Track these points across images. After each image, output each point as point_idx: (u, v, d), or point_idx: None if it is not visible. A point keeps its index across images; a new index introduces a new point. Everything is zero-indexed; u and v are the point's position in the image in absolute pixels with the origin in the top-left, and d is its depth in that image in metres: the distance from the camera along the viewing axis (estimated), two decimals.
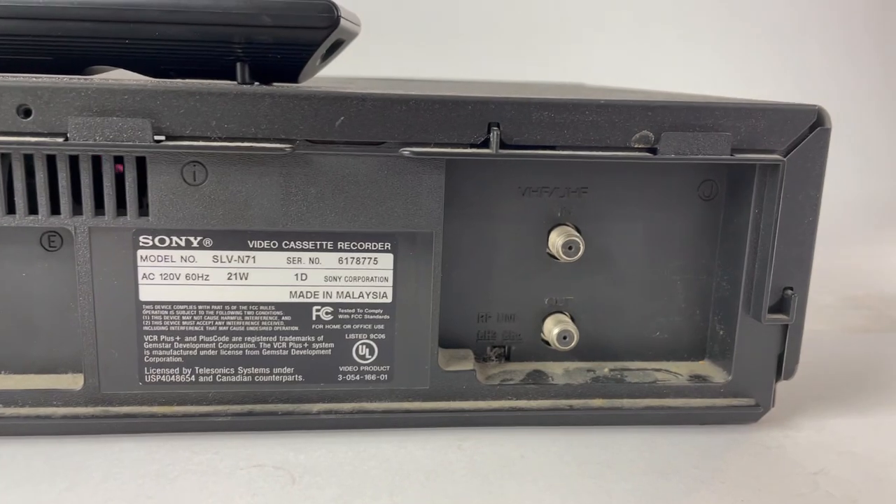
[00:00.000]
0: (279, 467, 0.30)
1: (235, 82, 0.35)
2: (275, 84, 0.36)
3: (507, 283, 0.35)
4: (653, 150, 0.31)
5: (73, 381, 0.32)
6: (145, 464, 0.30)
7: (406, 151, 0.30)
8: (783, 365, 0.34)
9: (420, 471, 0.30)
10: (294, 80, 0.36)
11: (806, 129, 0.32)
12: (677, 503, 0.29)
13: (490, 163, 0.33)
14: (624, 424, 0.34)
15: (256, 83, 0.35)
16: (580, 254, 0.33)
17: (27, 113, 0.28)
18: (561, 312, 0.35)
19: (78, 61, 0.36)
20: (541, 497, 0.29)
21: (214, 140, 0.29)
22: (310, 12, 0.34)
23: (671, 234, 0.35)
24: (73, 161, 0.29)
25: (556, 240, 0.33)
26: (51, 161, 0.29)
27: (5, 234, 0.31)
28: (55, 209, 0.30)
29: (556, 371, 0.35)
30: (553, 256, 0.34)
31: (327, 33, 0.34)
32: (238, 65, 0.35)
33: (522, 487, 0.29)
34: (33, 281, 0.31)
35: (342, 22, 0.34)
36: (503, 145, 0.30)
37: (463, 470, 0.30)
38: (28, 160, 0.29)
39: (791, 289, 0.33)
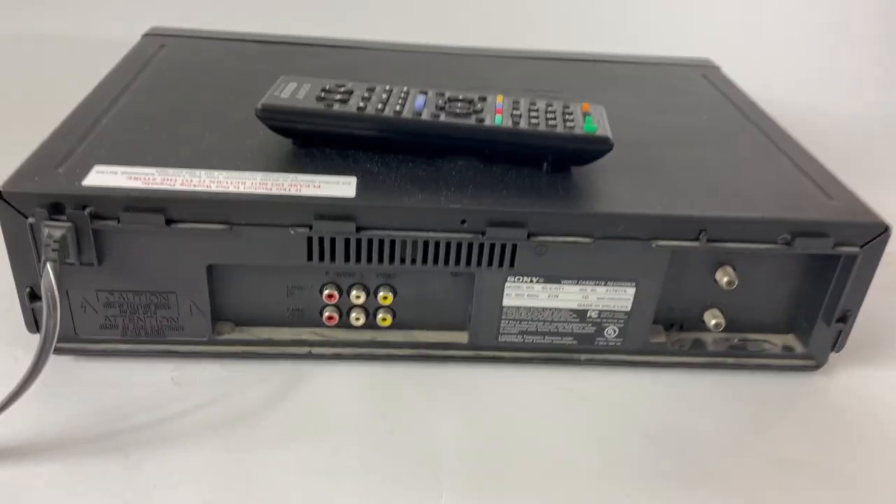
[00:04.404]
0: (568, 389, 0.60)
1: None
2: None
3: (682, 294, 0.62)
4: None
5: (461, 337, 0.62)
6: (502, 383, 0.61)
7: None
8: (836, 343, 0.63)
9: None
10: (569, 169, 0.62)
11: None
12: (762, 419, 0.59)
13: None
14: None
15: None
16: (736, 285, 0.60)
17: None
18: (713, 308, 0.63)
19: (442, 153, 0.61)
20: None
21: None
22: (597, 143, 0.58)
23: None
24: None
25: (721, 277, 0.60)
26: None
27: None
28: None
29: (708, 340, 0.64)
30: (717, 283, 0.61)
31: (604, 154, 0.59)
32: (545, 163, 0.61)
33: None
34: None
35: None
36: None
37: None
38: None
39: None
